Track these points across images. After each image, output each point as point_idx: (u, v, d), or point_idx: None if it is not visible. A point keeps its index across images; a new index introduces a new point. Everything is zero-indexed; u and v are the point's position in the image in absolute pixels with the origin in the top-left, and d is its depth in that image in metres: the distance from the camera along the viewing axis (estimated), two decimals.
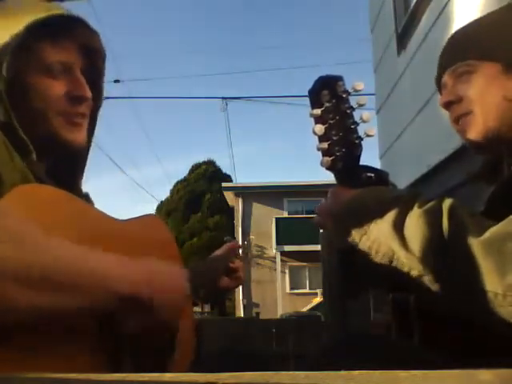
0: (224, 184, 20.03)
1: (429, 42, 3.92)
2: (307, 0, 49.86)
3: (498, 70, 0.95)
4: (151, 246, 0.96)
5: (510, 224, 0.70)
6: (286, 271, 18.43)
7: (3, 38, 0.84)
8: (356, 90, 0.89)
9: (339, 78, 0.90)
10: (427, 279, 0.73)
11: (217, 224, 22.24)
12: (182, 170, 50.27)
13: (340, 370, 0.50)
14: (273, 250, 18.02)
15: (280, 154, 45.69)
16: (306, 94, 0.92)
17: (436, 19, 3.75)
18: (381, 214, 0.78)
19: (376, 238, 0.78)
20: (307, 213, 17.22)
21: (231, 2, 49.99)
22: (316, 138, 0.89)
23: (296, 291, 18.36)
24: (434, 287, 0.73)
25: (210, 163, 25.52)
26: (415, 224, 0.75)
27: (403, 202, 0.79)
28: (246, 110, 56.05)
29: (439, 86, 1.07)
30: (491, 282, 0.68)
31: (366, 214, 0.80)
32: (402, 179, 4.28)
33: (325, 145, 0.88)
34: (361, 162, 0.89)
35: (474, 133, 0.96)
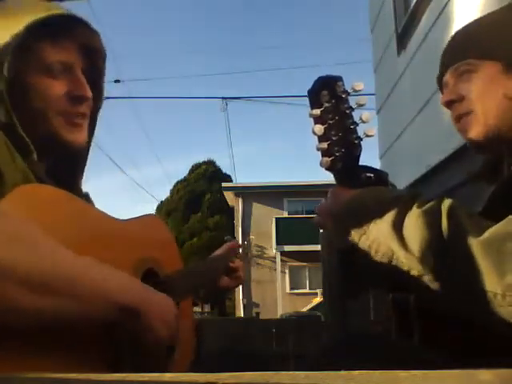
0: (224, 184, 20.03)
1: (429, 42, 3.92)
2: (307, 0, 49.91)
3: (499, 69, 0.95)
4: (151, 246, 0.96)
5: (510, 224, 0.70)
6: (286, 271, 18.43)
7: (3, 38, 0.84)
8: (355, 90, 0.89)
9: (339, 79, 0.90)
10: (427, 279, 0.73)
11: (217, 224, 22.23)
12: (181, 170, 50.33)
13: (340, 369, 0.50)
14: (273, 250, 18.01)
15: (280, 153, 45.73)
16: (306, 94, 0.92)
17: (436, 19, 3.75)
18: (380, 214, 0.79)
19: (375, 237, 0.78)
20: (307, 213, 17.22)
21: (231, 2, 50.03)
22: (315, 138, 0.89)
23: (296, 291, 18.36)
24: (434, 287, 0.73)
25: (210, 163, 25.52)
26: (414, 224, 0.75)
27: (402, 202, 0.79)
28: (245, 110, 56.10)
29: (441, 84, 1.07)
30: (490, 282, 0.68)
31: (366, 214, 0.80)
32: (402, 179, 4.28)
33: (324, 145, 0.88)
34: (361, 162, 0.89)
35: (475, 132, 0.96)
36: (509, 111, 0.94)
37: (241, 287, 17.12)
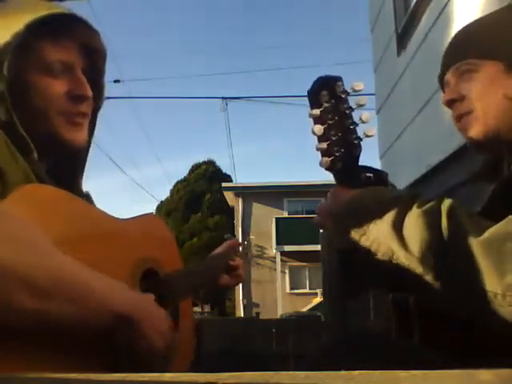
0: (224, 184, 20.03)
1: (429, 42, 3.92)
2: (307, 0, 49.92)
3: (499, 69, 0.95)
4: (151, 246, 0.96)
5: (510, 224, 0.70)
6: (286, 271, 18.43)
7: (4, 38, 0.84)
8: (355, 91, 0.90)
9: (338, 79, 0.90)
10: (427, 279, 0.73)
11: (217, 224, 22.23)
12: (181, 170, 50.28)
13: (340, 369, 0.50)
14: (273, 250, 18.01)
15: (280, 153, 45.72)
16: (306, 94, 0.92)
17: (436, 19, 3.75)
18: (380, 214, 0.79)
19: (375, 237, 0.78)
20: (307, 213, 17.21)
21: (231, 2, 50.03)
22: (315, 138, 0.89)
23: (296, 291, 18.36)
24: (434, 287, 0.73)
25: (210, 163, 25.51)
26: (414, 224, 0.75)
27: (402, 202, 0.79)
28: (245, 110, 56.07)
29: (442, 83, 1.07)
30: (491, 282, 0.68)
31: (366, 214, 0.80)
32: (402, 179, 4.28)
33: (324, 145, 0.88)
34: (361, 162, 0.89)
35: (475, 131, 0.97)
36: (509, 111, 0.94)
37: (241, 287, 17.13)
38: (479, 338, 0.78)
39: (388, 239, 0.77)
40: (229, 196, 19.82)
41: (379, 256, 0.78)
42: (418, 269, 0.74)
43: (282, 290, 17.69)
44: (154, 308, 0.80)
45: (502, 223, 0.70)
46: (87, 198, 0.99)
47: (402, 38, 4.65)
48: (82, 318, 0.68)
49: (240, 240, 16.92)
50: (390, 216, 0.78)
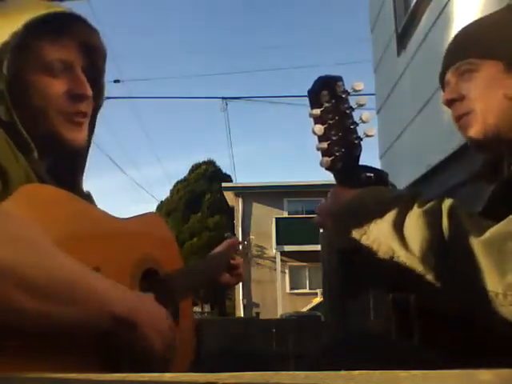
0: (224, 184, 20.02)
1: (429, 42, 3.92)
2: (307, 0, 49.92)
3: (499, 68, 0.95)
4: (152, 245, 0.96)
5: (510, 224, 0.70)
6: (286, 271, 18.43)
7: (4, 37, 0.84)
8: (355, 90, 0.89)
9: (339, 79, 0.90)
10: (427, 279, 0.73)
11: (217, 224, 22.23)
12: (181, 170, 50.28)
13: (340, 369, 0.50)
14: (273, 250, 18.01)
15: (280, 153, 45.72)
16: (306, 94, 0.92)
17: (436, 19, 3.75)
18: (381, 214, 0.79)
19: (376, 237, 0.78)
20: (307, 213, 17.21)
21: (231, 2, 50.04)
22: (316, 137, 0.89)
23: (296, 291, 18.36)
24: (435, 287, 0.73)
25: (210, 163, 25.51)
26: (415, 224, 0.75)
27: (403, 201, 0.79)
28: (245, 110, 56.07)
29: (442, 83, 1.07)
30: (492, 282, 0.68)
31: (366, 214, 0.80)
32: (402, 179, 4.28)
33: (324, 145, 0.88)
34: (361, 162, 0.89)
35: (475, 131, 0.97)
36: (509, 111, 0.94)
37: (241, 287, 17.13)
38: (479, 337, 0.78)
39: (389, 239, 0.77)
40: (229, 196, 19.82)
41: (380, 255, 0.78)
42: (418, 268, 0.74)
43: (282, 290, 17.69)
44: (154, 308, 0.79)
45: (502, 223, 0.70)
46: (88, 197, 0.99)
47: (402, 38, 4.65)
48: (81, 319, 0.68)
49: (240, 240, 16.83)
50: (390, 216, 0.78)
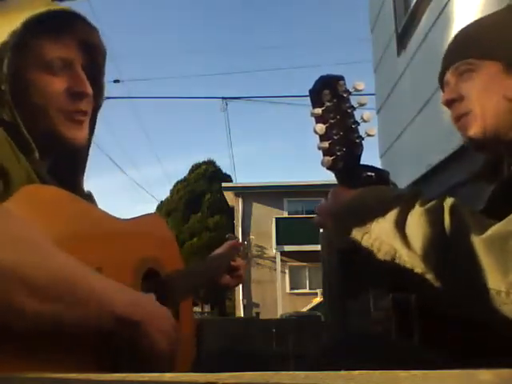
0: (224, 184, 20.02)
1: (429, 42, 3.92)
2: None
3: (499, 69, 0.95)
4: (153, 246, 0.96)
5: None
6: (286, 271, 18.43)
7: (3, 36, 0.84)
8: (357, 90, 0.89)
9: (340, 78, 0.90)
10: (429, 277, 0.73)
11: (217, 224, 22.23)
12: (181, 170, 50.25)
13: (340, 370, 0.50)
14: (273, 250, 18.01)
15: (280, 153, 45.69)
16: (306, 93, 0.92)
17: (436, 19, 3.75)
18: (382, 213, 0.78)
19: (378, 236, 0.78)
20: (307, 213, 17.21)
21: (230, 1, 49.99)
22: (317, 137, 0.89)
23: (296, 291, 18.35)
24: (436, 285, 0.73)
25: (210, 163, 25.51)
26: (417, 222, 0.75)
27: (404, 200, 0.79)
28: (245, 110, 56.07)
29: (442, 83, 1.07)
30: (494, 280, 0.68)
31: (367, 213, 0.80)
32: (403, 179, 4.28)
33: (325, 144, 0.88)
34: (361, 162, 0.89)
35: (474, 131, 0.97)
36: (508, 112, 0.94)
37: (241, 287, 17.12)
38: (479, 337, 0.78)
39: (390, 237, 0.77)
40: (229, 196, 19.82)
41: (381, 255, 0.78)
42: (420, 267, 0.74)
43: (282, 290, 17.68)
44: (156, 307, 0.79)
45: (504, 221, 0.70)
46: (89, 197, 0.99)
47: (402, 37, 4.65)
48: (83, 319, 0.67)
49: (240, 240, 16.83)
50: (392, 215, 0.78)
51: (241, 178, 49.40)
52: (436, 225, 0.74)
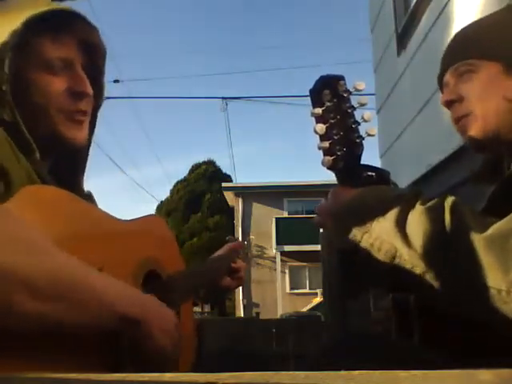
0: (224, 184, 20.02)
1: (429, 42, 3.92)
2: (307, 0, 49.91)
3: (499, 69, 0.95)
4: (153, 247, 0.96)
5: None
6: (286, 271, 18.43)
7: (4, 36, 0.84)
8: (357, 90, 0.89)
9: (340, 78, 0.90)
10: (429, 276, 0.73)
11: (217, 224, 22.23)
12: (181, 170, 50.20)
13: (340, 369, 0.50)
14: (273, 250, 18.01)
15: (280, 153, 45.68)
16: (306, 93, 0.92)
17: (436, 19, 3.75)
18: (382, 213, 0.78)
19: (378, 235, 0.78)
20: (307, 213, 17.21)
21: (231, 2, 50.01)
22: (317, 137, 0.89)
23: (296, 291, 18.35)
24: (437, 284, 0.73)
25: (210, 163, 25.50)
26: (417, 221, 0.75)
27: (405, 200, 0.79)
28: (245, 110, 56.05)
29: (441, 84, 1.07)
30: (494, 279, 0.68)
31: (368, 213, 0.80)
32: (403, 179, 4.28)
33: (326, 144, 0.88)
34: (361, 162, 0.89)
35: (475, 132, 0.97)
36: (508, 112, 0.94)
37: (241, 287, 17.12)
38: (479, 337, 0.78)
39: (391, 236, 0.77)
40: (229, 196, 19.82)
41: (382, 254, 0.77)
42: (420, 265, 0.74)
43: (282, 290, 17.68)
44: (158, 307, 0.79)
45: (505, 220, 0.70)
46: (89, 197, 0.99)
47: (402, 38, 4.65)
48: (84, 319, 0.67)
49: (240, 240, 16.82)
50: (392, 214, 0.78)
51: (241, 178, 49.41)
52: (436, 223, 0.74)
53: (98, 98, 0.98)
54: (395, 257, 0.76)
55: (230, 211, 20.32)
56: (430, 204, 0.77)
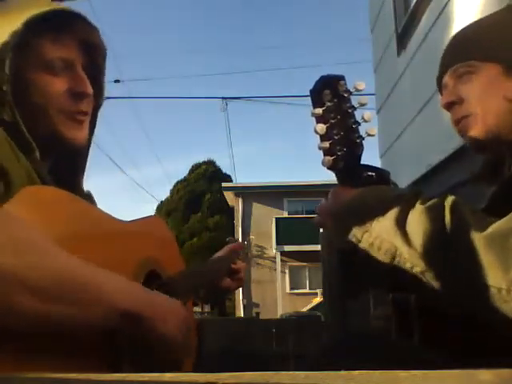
0: (224, 184, 20.02)
1: (429, 42, 3.92)
2: None
3: (499, 71, 0.95)
4: (153, 247, 0.96)
5: None
6: (286, 271, 18.43)
7: (4, 36, 0.84)
8: (357, 90, 0.89)
9: (341, 78, 0.90)
10: (430, 275, 0.73)
11: (217, 224, 22.23)
12: (182, 170, 50.19)
13: (340, 369, 0.50)
14: (273, 250, 18.01)
15: (280, 153, 45.69)
16: (307, 93, 0.92)
17: (436, 19, 3.75)
18: (383, 212, 0.79)
19: (378, 234, 0.78)
20: (307, 213, 17.21)
21: (230, 1, 49.98)
22: (317, 137, 0.90)
23: (296, 291, 18.36)
24: (437, 283, 0.73)
25: (210, 163, 25.50)
26: (417, 219, 0.75)
27: (405, 199, 0.79)
28: (246, 110, 56.04)
29: (440, 86, 1.07)
30: (495, 277, 0.68)
31: (368, 213, 0.80)
32: (403, 179, 4.28)
33: (326, 144, 0.88)
34: (361, 162, 0.89)
35: (475, 134, 0.97)
36: (509, 113, 0.94)
37: (241, 287, 17.11)
38: (479, 337, 0.78)
39: (391, 235, 0.77)
40: (229, 196, 19.82)
41: (382, 253, 0.78)
42: (420, 264, 0.74)
43: (282, 290, 17.69)
44: (164, 302, 0.78)
45: (505, 219, 0.71)
46: (89, 197, 0.99)
47: (402, 38, 4.65)
48: (87, 317, 0.67)
49: (240, 240, 16.81)
50: (392, 213, 0.78)
51: (241, 178, 49.41)
52: (437, 222, 0.74)
53: (99, 98, 0.98)
54: (395, 256, 0.76)
55: (230, 211, 20.32)
56: (430, 203, 0.77)
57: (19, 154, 0.79)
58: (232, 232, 18.18)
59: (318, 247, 5.33)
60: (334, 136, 0.88)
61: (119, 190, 49.98)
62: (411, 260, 0.75)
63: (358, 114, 0.90)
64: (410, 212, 0.77)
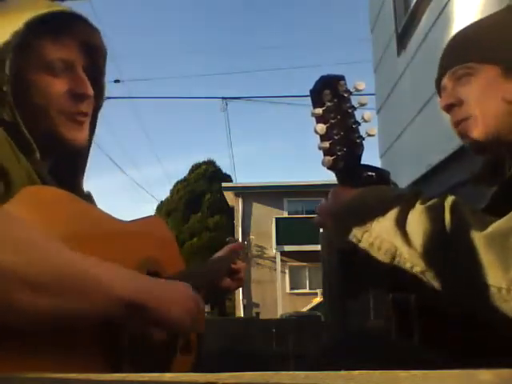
0: (224, 184, 20.02)
1: (429, 42, 3.92)
2: (307, 0, 49.91)
3: (497, 72, 0.95)
4: (153, 247, 0.96)
5: None
6: (286, 271, 18.43)
7: (5, 37, 0.84)
8: (357, 90, 0.90)
9: (341, 78, 0.91)
10: (430, 275, 0.74)
11: (217, 224, 22.23)
12: (182, 170, 50.16)
13: (340, 369, 0.50)
14: (273, 250, 18.01)
15: (280, 153, 45.68)
16: (306, 93, 0.92)
17: (436, 19, 3.75)
18: (383, 212, 0.79)
19: (378, 234, 0.78)
20: (307, 213, 17.21)
21: (231, 2, 50.00)
22: (317, 137, 0.90)
23: (296, 291, 18.35)
24: (437, 283, 0.73)
25: (210, 163, 25.50)
26: (417, 219, 0.75)
27: (405, 199, 0.79)
28: (246, 110, 56.03)
29: (439, 88, 1.07)
30: (494, 277, 0.68)
31: (368, 213, 0.80)
32: (403, 179, 4.28)
33: (326, 144, 0.88)
34: (361, 162, 0.89)
35: (475, 135, 0.96)
36: (508, 115, 0.94)
37: (241, 287, 17.11)
38: (479, 337, 0.78)
39: (391, 235, 0.77)
40: (229, 196, 19.82)
41: (382, 253, 0.78)
42: (420, 264, 0.74)
43: (282, 290, 17.68)
44: (170, 290, 0.78)
45: (505, 218, 0.71)
46: (88, 197, 0.99)
47: (402, 37, 4.65)
48: (91, 310, 0.66)
49: (240, 240, 16.79)
50: (392, 213, 0.78)
51: (241, 178, 49.38)
52: (437, 222, 0.74)
53: (99, 98, 0.98)
54: (395, 256, 0.76)
55: (230, 211, 20.32)
56: (430, 203, 0.77)
57: (19, 155, 0.80)
58: (232, 232, 18.18)
59: (318, 247, 5.34)
60: (334, 136, 0.88)
61: (119, 190, 50.01)
62: (411, 260, 0.75)
63: (358, 114, 0.90)
64: (410, 212, 0.77)
